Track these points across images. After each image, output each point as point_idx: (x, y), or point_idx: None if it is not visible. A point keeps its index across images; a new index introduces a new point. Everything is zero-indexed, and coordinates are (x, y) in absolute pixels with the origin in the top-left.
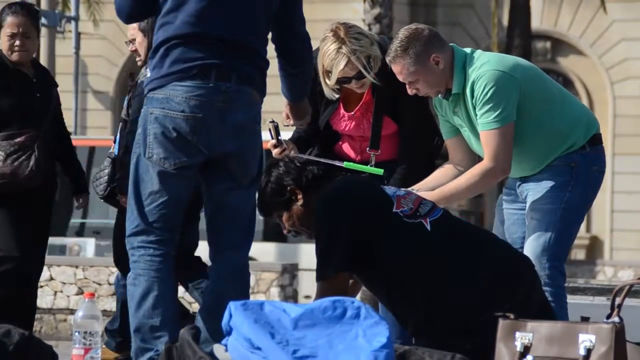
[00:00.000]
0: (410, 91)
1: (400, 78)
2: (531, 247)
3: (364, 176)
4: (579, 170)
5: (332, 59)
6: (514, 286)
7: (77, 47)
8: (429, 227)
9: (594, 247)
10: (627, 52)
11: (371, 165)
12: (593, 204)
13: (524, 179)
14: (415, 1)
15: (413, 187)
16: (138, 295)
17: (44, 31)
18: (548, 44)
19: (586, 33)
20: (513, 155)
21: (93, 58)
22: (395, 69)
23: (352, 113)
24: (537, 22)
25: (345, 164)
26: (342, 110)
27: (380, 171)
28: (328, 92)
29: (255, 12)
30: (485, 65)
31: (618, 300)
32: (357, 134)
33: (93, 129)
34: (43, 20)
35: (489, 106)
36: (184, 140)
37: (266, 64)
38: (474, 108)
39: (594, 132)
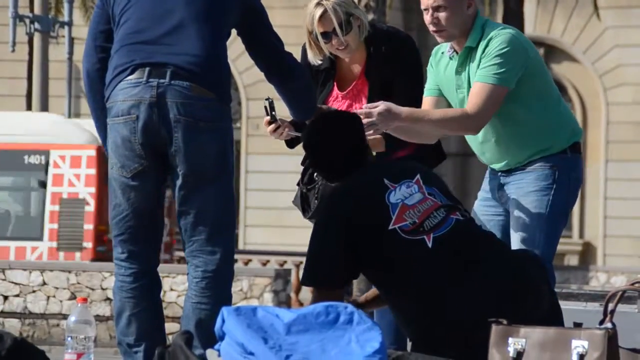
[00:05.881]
0: (427, 18)
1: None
2: None
3: (373, 177)
4: (560, 173)
5: (310, 14)
6: (517, 305)
7: (71, 52)
8: (430, 244)
9: (587, 253)
10: (621, 58)
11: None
12: (586, 210)
13: (505, 175)
14: (409, 7)
15: None
16: (115, 311)
17: (37, 36)
18: (541, 50)
19: (579, 39)
20: (497, 142)
21: None
22: None
23: (345, 93)
24: (531, 28)
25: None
26: (335, 90)
27: None
28: (311, 57)
29: (192, 9)
30: (506, 29)
31: (611, 306)
32: None
33: None
34: (36, 25)
35: (495, 62)
36: (129, 144)
37: (216, 63)
38: (480, 62)
39: (577, 139)
